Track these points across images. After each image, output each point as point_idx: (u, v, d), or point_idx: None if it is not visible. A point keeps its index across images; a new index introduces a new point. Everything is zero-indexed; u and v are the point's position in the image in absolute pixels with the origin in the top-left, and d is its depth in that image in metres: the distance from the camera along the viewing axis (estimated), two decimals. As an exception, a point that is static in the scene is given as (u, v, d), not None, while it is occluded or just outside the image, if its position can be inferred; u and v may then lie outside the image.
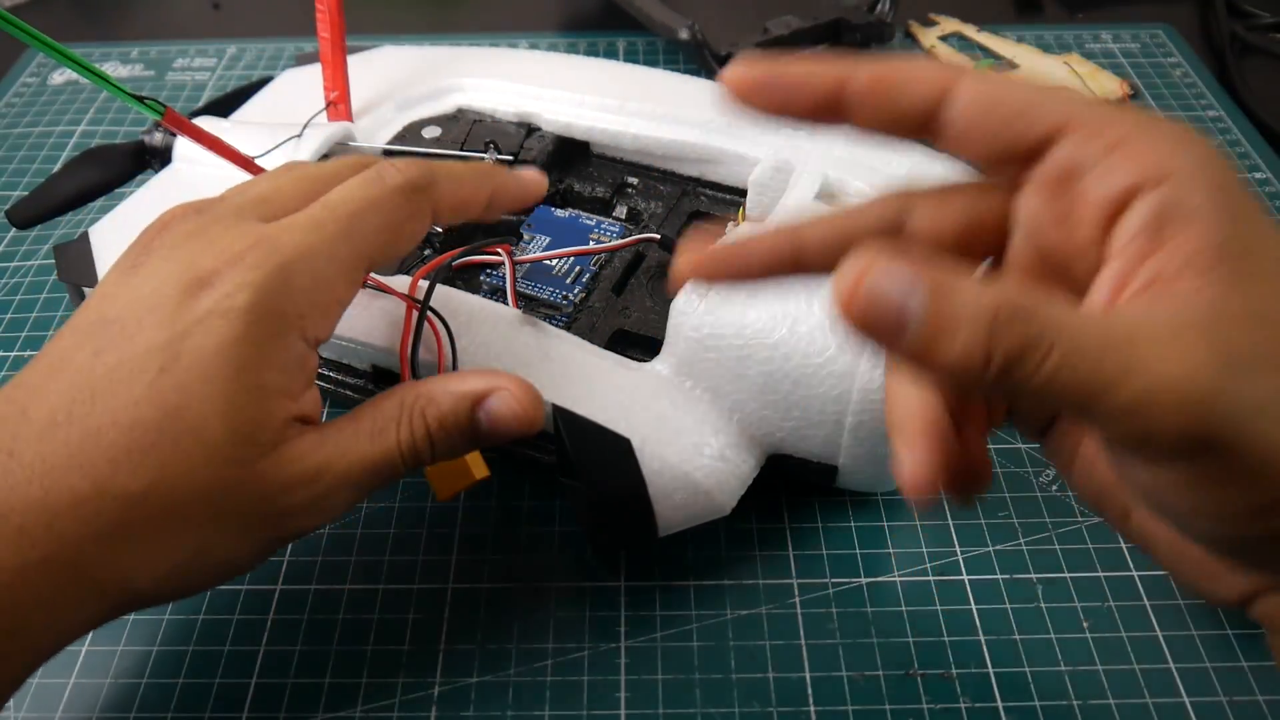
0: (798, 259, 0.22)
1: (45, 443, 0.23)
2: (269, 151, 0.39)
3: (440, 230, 0.37)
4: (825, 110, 0.21)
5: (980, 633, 0.31)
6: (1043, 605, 0.32)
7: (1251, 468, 0.18)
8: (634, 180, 0.41)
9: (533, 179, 0.31)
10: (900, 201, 0.22)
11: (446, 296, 0.34)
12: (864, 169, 0.34)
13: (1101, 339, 0.17)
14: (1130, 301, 0.19)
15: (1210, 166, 0.19)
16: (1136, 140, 0.19)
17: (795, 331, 0.29)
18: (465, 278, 0.37)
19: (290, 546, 0.34)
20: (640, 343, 0.34)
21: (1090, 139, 0.20)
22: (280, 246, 0.25)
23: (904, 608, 0.32)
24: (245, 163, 0.38)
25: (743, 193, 0.39)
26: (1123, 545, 0.33)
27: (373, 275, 0.33)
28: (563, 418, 0.30)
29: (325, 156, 0.41)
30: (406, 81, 0.44)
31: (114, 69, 0.59)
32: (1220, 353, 0.17)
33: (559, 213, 0.39)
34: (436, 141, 0.42)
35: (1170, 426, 0.17)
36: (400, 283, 0.33)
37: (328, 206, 0.27)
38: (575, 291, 0.36)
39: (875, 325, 0.17)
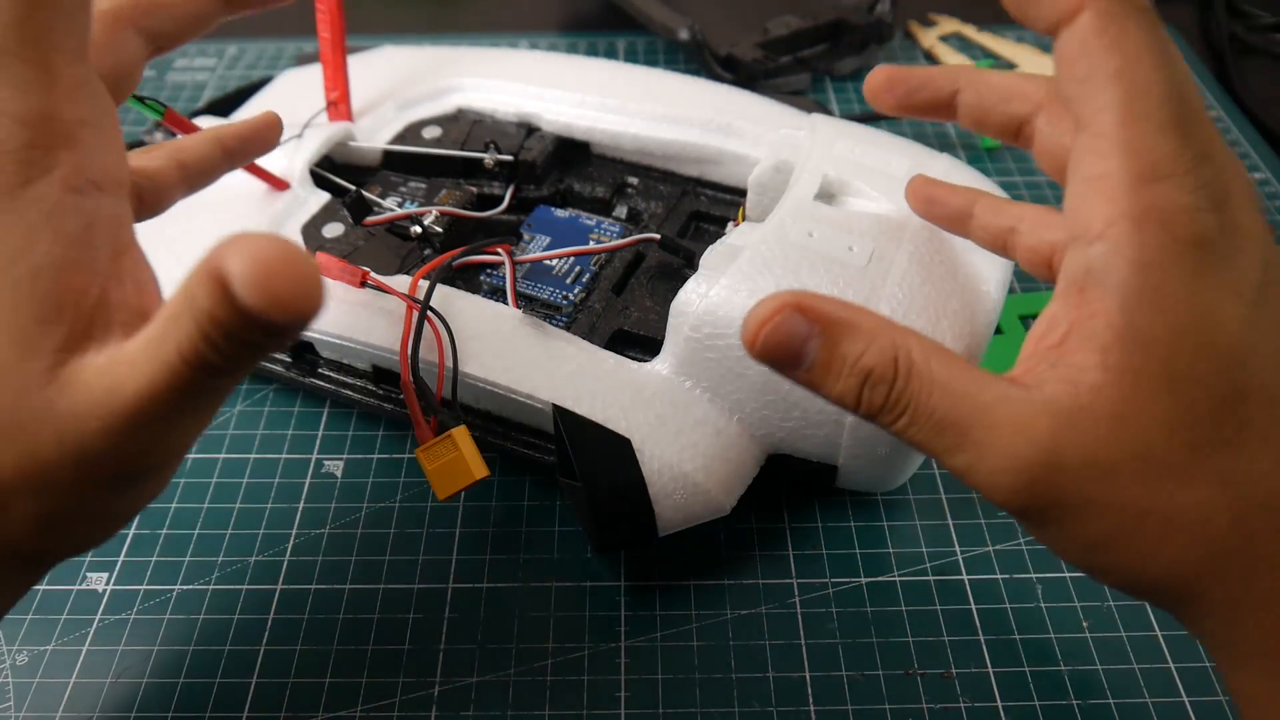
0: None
1: None
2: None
3: (440, 230, 0.37)
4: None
5: (980, 633, 0.31)
6: (1043, 605, 0.32)
7: (1063, 539, 0.21)
8: (634, 180, 0.41)
9: None
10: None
11: (446, 296, 0.34)
12: (864, 169, 0.34)
13: (951, 413, 0.20)
14: (1026, 366, 0.21)
15: (1150, 235, 0.19)
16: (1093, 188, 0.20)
17: (795, 331, 0.29)
18: (465, 278, 0.37)
19: (291, 546, 0.34)
20: (640, 343, 0.34)
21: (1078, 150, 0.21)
22: None
23: (904, 608, 0.32)
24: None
25: (743, 193, 0.39)
26: (1123, 545, 0.33)
27: (372, 275, 0.33)
28: (563, 418, 0.30)
29: (326, 157, 0.41)
30: (406, 81, 0.44)
31: (114, 69, 0.59)
32: (1055, 450, 0.20)
33: (559, 213, 0.39)
34: (437, 141, 0.42)
35: (990, 496, 0.21)
36: (400, 283, 0.34)
37: None
38: (575, 291, 0.36)
39: (777, 357, 0.21)
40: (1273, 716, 0.20)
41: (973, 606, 0.32)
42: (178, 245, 0.38)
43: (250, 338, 0.18)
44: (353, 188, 0.39)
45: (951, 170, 0.35)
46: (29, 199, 0.20)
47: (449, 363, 0.32)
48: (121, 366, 0.19)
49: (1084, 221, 0.20)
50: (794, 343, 0.21)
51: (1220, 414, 0.19)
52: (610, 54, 0.59)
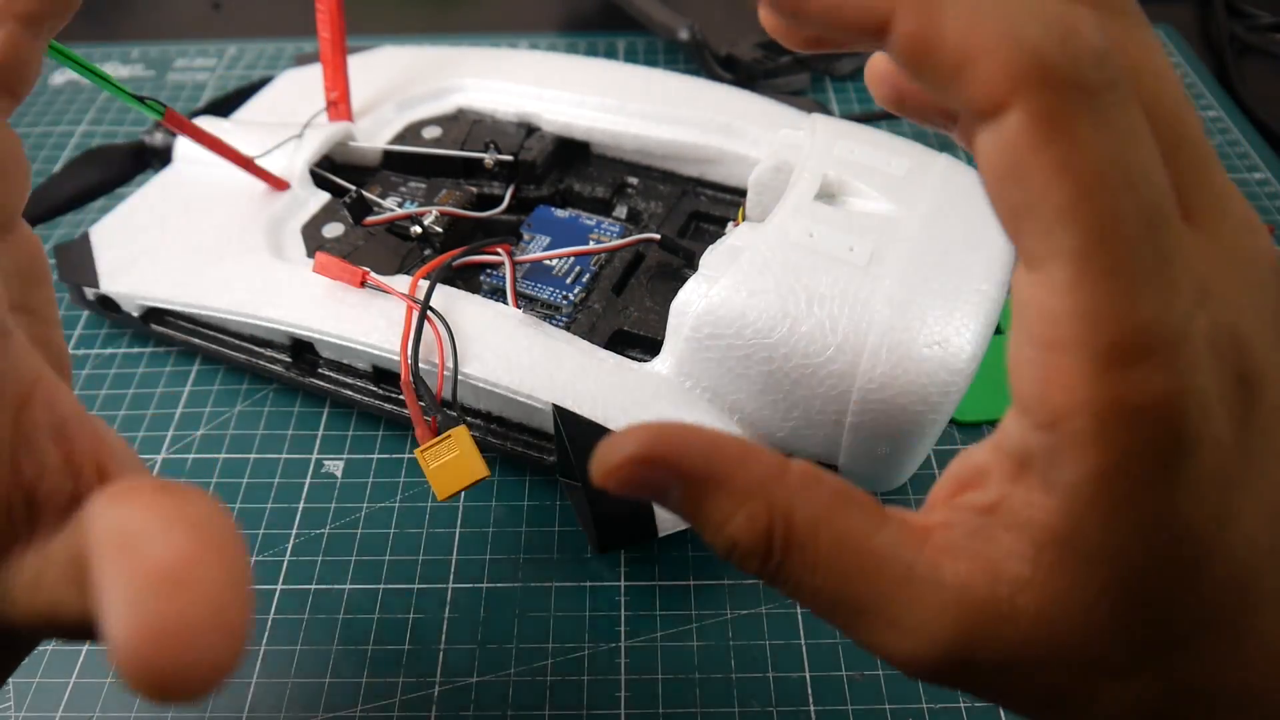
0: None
1: None
2: (269, 151, 0.39)
3: (440, 230, 0.37)
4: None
5: (980, 633, 0.31)
6: (1042, 605, 0.32)
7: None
8: (634, 180, 0.41)
9: None
10: None
11: (447, 296, 0.34)
12: (864, 169, 0.34)
13: (840, 594, 0.17)
14: (942, 520, 0.17)
15: (1115, 441, 0.14)
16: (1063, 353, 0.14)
17: (795, 331, 0.29)
18: (465, 278, 0.37)
19: (291, 546, 0.34)
20: (640, 343, 0.35)
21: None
22: None
23: (904, 608, 0.32)
24: (245, 163, 0.38)
25: (743, 193, 0.39)
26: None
27: (372, 275, 0.34)
28: (563, 418, 0.30)
29: (326, 157, 0.41)
30: (406, 81, 0.44)
31: (114, 69, 0.59)
32: (962, 650, 0.16)
33: (559, 213, 0.39)
34: (436, 141, 0.42)
35: (897, 665, 0.17)
36: (400, 283, 0.34)
37: None
38: (575, 291, 0.36)
39: (637, 494, 0.17)
40: None
41: (973, 606, 0.32)
42: (178, 245, 0.38)
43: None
44: (353, 188, 0.39)
45: (951, 170, 0.35)
46: None
47: (449, 363, 0.32)
48: (45, 586, 0.17)
49: (1029, 396, 0.15)
50: (649, 490, 0.17)
51: (1171, 617, 0.16)
52: (610, 54, 0.59)
